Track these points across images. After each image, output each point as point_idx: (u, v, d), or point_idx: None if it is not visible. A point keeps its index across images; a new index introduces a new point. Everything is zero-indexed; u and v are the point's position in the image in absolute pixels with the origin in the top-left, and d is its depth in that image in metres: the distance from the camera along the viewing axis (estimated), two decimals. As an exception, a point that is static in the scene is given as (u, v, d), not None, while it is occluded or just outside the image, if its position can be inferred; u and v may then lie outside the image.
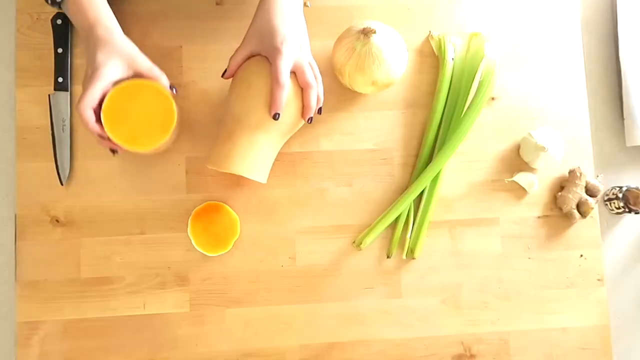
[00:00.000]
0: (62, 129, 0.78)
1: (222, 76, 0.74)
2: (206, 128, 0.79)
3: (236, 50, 0.73)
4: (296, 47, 0.70)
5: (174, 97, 0.69)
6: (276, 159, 0.77)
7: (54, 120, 0.78)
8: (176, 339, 0.76)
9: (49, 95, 0.78)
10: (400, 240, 0.78)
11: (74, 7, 0.68)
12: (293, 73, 0.71)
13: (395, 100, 0.81)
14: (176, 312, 0.76)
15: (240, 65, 0.73)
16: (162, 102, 0.68)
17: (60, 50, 0.78)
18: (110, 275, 0.76)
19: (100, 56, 0.66)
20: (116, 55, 0.67)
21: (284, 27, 0.69)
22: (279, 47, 0.68)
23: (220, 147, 0.71)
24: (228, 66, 0.73)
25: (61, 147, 0.77)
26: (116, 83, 0.67)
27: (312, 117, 0.73)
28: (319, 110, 0.74)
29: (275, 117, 0.69)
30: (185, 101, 0.79)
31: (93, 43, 0.67)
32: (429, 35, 0.82)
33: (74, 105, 0.78)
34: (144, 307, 0.76)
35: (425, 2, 0.83)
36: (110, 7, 0.69)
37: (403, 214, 0.78)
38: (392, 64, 0.73)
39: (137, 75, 0.68)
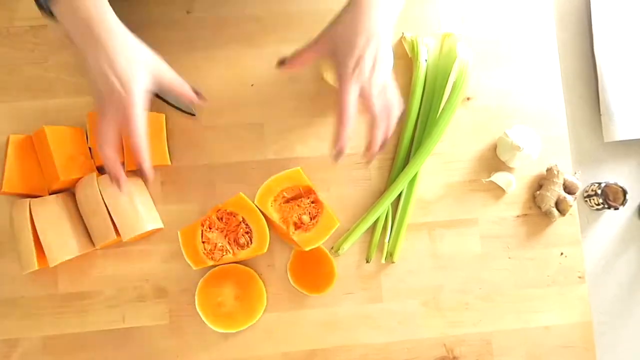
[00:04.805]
0: None
1: (278, 65, 0.65)
2: (188, 137, 0.79)
3: (308, 45, 0.64)
4: (368, 67, 0.60)
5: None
6: (252, 167, 0.77)
7: None
8: (157, 351, 0.75)
9: None
10: (379, 244, 0.78)
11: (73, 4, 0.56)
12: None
13: (370, 104, 0.81)
14: (156, 325, 0.75)
15: (303, 63, 0.65)
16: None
17: None
18: (89, 289, 0.76)
19: (123, 65, 0.55)
20: (141, 64, 0.57)
21: (364, 39, 0.59)
22: (349, 69, 0.59)
23: None
24: (291, 58, 0.65)
25: None
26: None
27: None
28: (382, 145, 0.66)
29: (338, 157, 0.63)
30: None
31: (106, 50, 0.55)
32: (401, 37, 0.82)
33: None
34: (124, 321, 0.75)
35: (398, 3, 0.83)
36: None
37: (381, 217, 0.78)
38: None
39: (160, 87, 0.61)
